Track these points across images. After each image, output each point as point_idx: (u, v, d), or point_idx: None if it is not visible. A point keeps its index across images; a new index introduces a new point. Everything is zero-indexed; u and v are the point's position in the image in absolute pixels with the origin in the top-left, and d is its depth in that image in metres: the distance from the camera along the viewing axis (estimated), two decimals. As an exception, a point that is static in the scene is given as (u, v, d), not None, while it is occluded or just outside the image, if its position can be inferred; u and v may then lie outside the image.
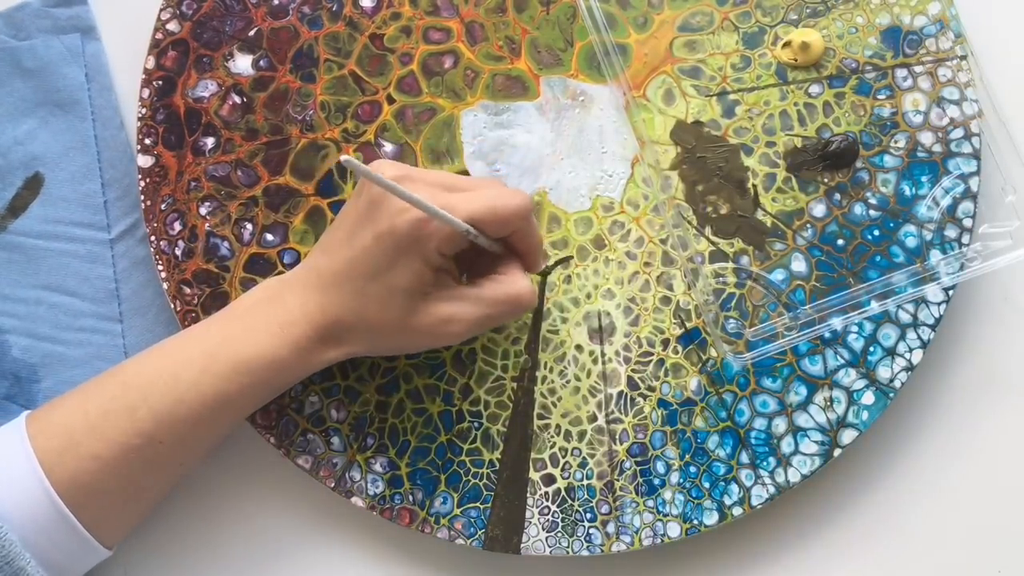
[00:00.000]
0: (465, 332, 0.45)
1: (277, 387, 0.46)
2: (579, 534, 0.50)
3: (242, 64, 0.51)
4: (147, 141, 0.51)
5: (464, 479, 0.50)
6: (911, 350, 0.50)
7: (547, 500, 0.50)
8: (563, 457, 0.50)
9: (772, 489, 0.49)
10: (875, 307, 0.50)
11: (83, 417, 0.42)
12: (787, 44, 0.51)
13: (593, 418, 0.50)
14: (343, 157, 0.38)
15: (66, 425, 0.42)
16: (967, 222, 0.51)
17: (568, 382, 0.50)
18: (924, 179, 0.51)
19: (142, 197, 0.51)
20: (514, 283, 0.46)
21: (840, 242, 0.51)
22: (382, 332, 0.45)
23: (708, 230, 0.51)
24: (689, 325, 0.50)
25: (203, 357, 0.44)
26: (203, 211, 0.51)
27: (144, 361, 0.44)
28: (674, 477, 0.50)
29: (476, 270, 0.47)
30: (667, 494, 0.50)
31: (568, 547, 0.49)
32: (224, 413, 0.44)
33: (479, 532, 0.49)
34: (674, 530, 0.49)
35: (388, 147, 0.51)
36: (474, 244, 0.45)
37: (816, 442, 0.50)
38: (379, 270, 0.43)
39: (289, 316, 0.44)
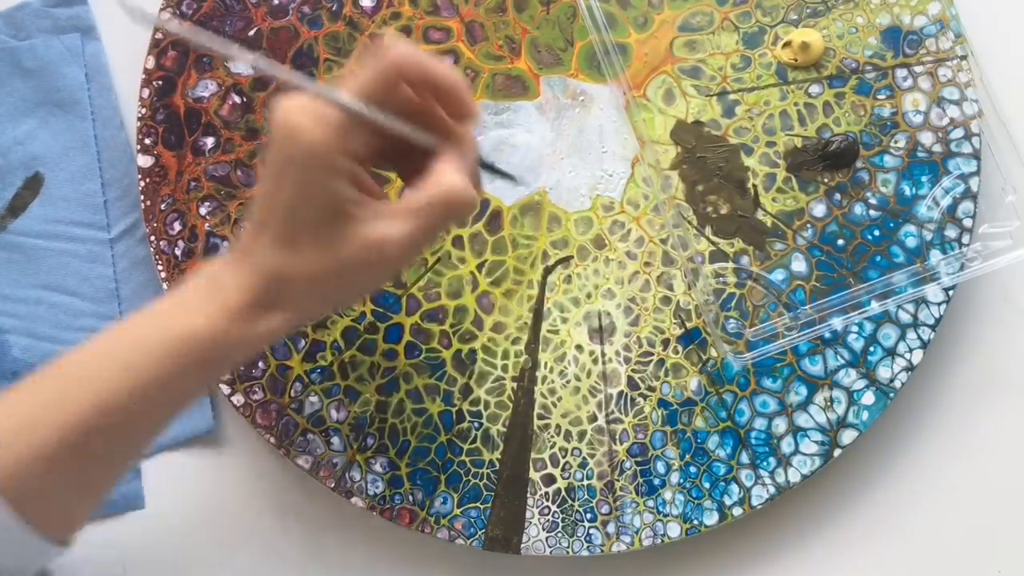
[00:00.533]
0: (402, 253, 0.40)
1: (217, 365, 0.42)
2: (579, 534, 0.50)
3: (242, 64, 0.51)
4: (147, 141, 0.51)
5: (464, 479, 0.50)
6: (911, 350, 0.50)
7: (547, 500, 0.50)
8: (563, 457, 0.50)
9: (772, 489, 0.49)
10: (875, 307, 0.49)
11: (18, 414, 0.40)
12: (787, 44, 0.51)
13: (593, 418, 0.50)
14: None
15: (2, 423, 0.40)
16: (967, 222, 0.51)
17: (568, 382, 0.50)
18: (924, 179, 0.51)
19: (142, 197, 0.51)
20: (440, 179, 0.39)
21: (840, 242, 0.51)
22: (319, 279, 0.40)
23: (708, 230, 0.51)
24: (689, 325, 0.50)
25: (143, 339, 0.40)
26: (203, 211, 0.51)
27: (82, 350, 0.41)
28: (674, 477, 0.50)
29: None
30: (667, 494, 0.50)
31: (568, 547, 0.49)
32: (161, 397, 0.41)
33: (479, 532, 0.49)
34: (674, 530, 0.49)
35: (388, 147, 0.51)
36: (403, 150, 0.40)
37: (816, 442, 0.50)
38: (292, 206, 0.39)
39: (222, 287, 0.41)
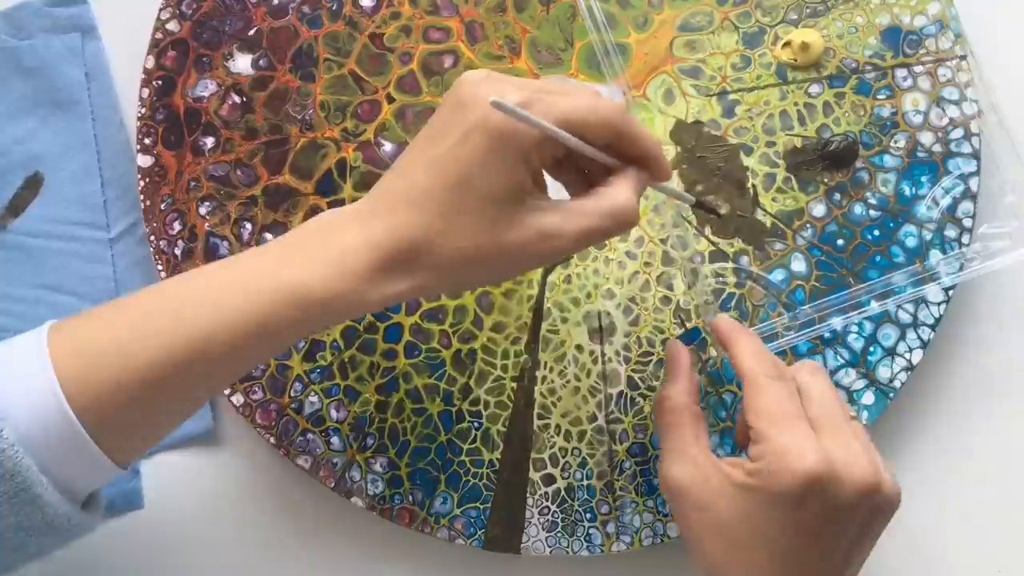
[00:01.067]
0: (570, 247, 0.39)
1: (327, 322, 0.40)
2: (579, 534, 0.50)
3: (242, 64, 0.51)
4: (147, 141, 0.51)
5: (464, 479, 0.50)
6: (911, 350, 0.50)
7: (547, 500, 0.50)
8: (563, 457, 0.50)
9: (772, 489, 0.49)
10: (875, 307, 0.49)
11: (110, 336, 0.38)
12: (787, 44, 0.51)
13: (593, 418, 0.50)
14: (493, 99, 0.35)
15: (92, 343, 0.38)
16: (967, 222, 0.51)
17: (568, 382, 0.50)
18: (924, 179, 0.51)
19: (142, 197, 0.51)
20: (616, 195, 0.40)
21: (840, 242, 0.51)
22: (469, 256, 0.38)
23: (708, 230, 0.51)
24: (689, 325, 0.50)
25: (249, 284, 0.38)
26: (203, 211, 0.51)
27: (185, 281, 0.40)
28: (674, 477, 0.50)
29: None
30: (667, 494, 0.50)
31: (568, 547, 0.49)
32: (263, 345, 0.39)
33: (479, 532, 0.49)
34: (674, 530, 0.49)
35: (388, 146, 0.51)
36: (578, 162, 0.41)
37: (816, 442, 0.50)
38: (468, 174, 0.37)
39: (350, 243, 0.38)
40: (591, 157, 0.40)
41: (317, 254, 0.39)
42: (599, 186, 0.41)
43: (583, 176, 0.42)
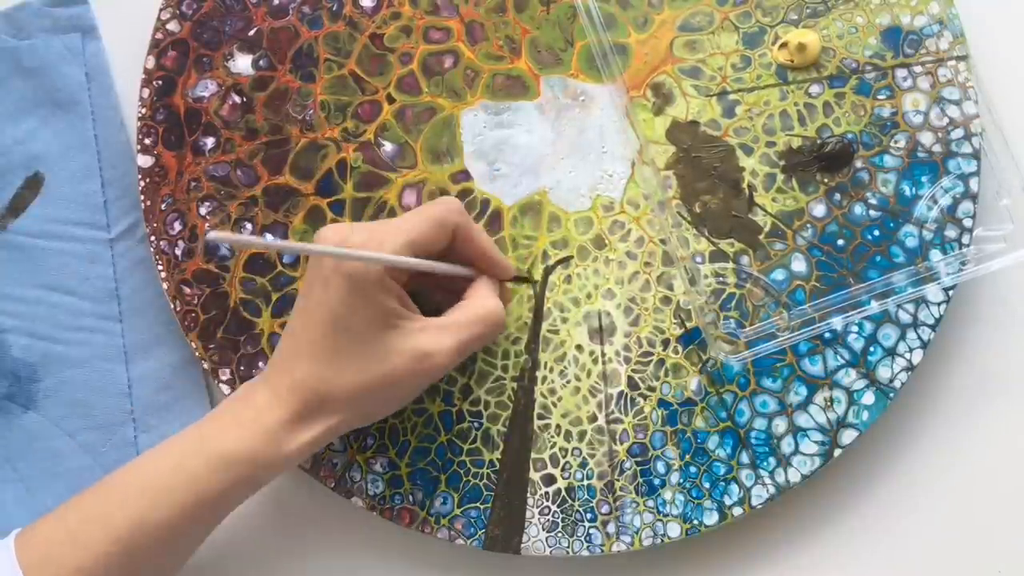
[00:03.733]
0: (447, 362, 0.43)
1: (257, 483, 0.44)
2: (579, 534, 0.50)
3: (242, 64, 0.51)
4: (147, 141, 0.51)
5: (464, 479, 0.50)
6: (911, 350, 0.50)
7: (547, 500, 0.50)
8: (563, 457, 0.50)
9: (772, 489, 0.49)
10: (875, 307, 0.50)
11: (64, 527, 0.42)
12: (784, 45, 0.51)
13: (593, 418, 0.50)
14: (210, 235, 0.36)
15: (47, 537, 0.42)
16: (967, 222, 0.51)
17: (568, 382, 0.50)
18: (924, 179, 0.51)
19: (142, 197, 0.51)
20: (480, 302, 0.45)
21: (840, 242, 0.51)
22: (363, 389, 0.43)
23: (704, 230, 0.51)
24: (689, 325, 0.50)
25: (177, 459, 0.43)
26: (203, 211, 0.51)
27: (127, 468, 0.44)
28: (674, 477, 0.50)
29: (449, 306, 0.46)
30: (667, 494, 0.50)
31: (568, 547, 0.49)
32: (200, 515, 0.43)
33: (479, 532, 0.49)
34: (674, 530, 0.49)
35: (388, 147, 0.51)
36: (436, 281, 0.45)
37: (816, 442, 0.50)
38: (337, 315, 0.42)
39: (261, 405, 0.43)
40: (432, 271, 0.44)
41: (237, 419, 0.43)
42: (462, 298, 0.45)
43: (446, 289, 0.47)
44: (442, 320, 0.44)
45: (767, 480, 0.49)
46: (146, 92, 0.51)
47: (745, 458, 0.50)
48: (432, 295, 0.47)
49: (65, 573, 0.41)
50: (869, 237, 0.51)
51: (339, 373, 0.42)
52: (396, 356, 0.42)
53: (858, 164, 0.51)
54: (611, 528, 0.50)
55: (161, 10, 0.51)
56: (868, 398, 0.50)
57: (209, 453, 0.42)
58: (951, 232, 0.51)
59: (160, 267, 0.50)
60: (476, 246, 0.46)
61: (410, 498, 0.50)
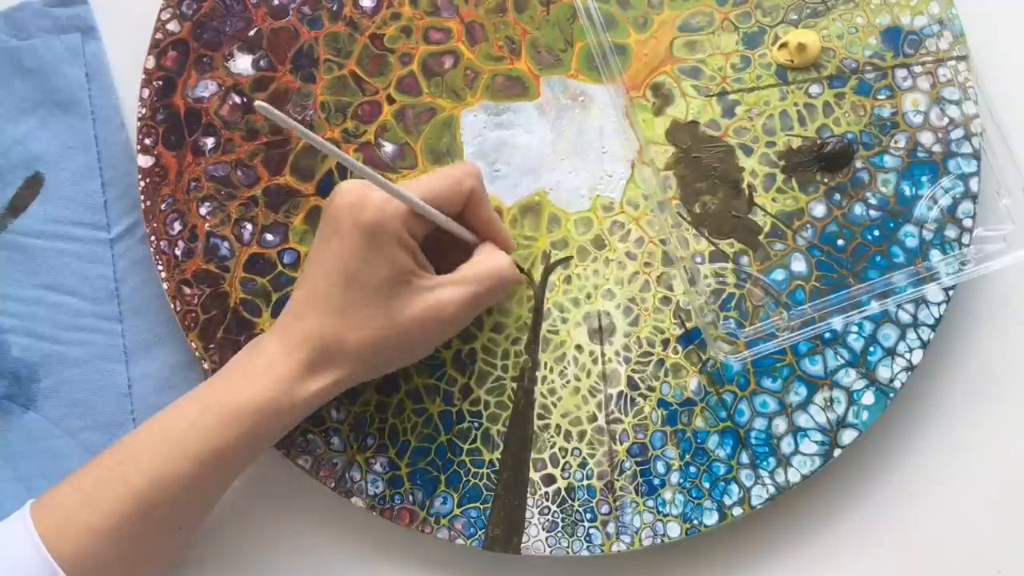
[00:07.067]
0: (460, 315, 0.44)
1: (270, 433, 0.44)
2: (579, 534, 0.50)
3: (242, 64, 0.51)
4: (147, 141, 0.51)
5: (464, 479, 0.50)
6: (911, 350, 0.50)
7: (547, 500, 0.50)
8: (563, 457, 0.50)
9: (772, 489, 0.49)
10: (875, 307, 0.50)
11: (78, 492, 0.42)
12: (784, 45, 0.51)
13: (593, 418, 0.50)
14: (258, 103, 0.37)
15: (63, 502, 0.42)
16: (967, 222, 0.51)
17: (568, 382, 0.50)
18: (924, 179, 0.51)
19: (142, 197, 0.51)
20: (492, 258, 0.46)
21: (840, 242, 0.51)
22: (374, 342, 0.43)
23: (704, 230, 0.51)
24: (689, 325, 0.50)
25: (191, 414, 0.43)
26: (203, 211, 0.51)
27: (139, 429, 0.44)
28: (674, 477, 0.50)
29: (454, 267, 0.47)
30: (667, 494, 0.50)
31: (568, 547, 0.49)
32: (216, 468, 0.43)
33: (479, 532, 0.49)
34: (674, 530, 0.49)
35: (388, 147, 0.51)
36: (444, 241, 0.45)
37: (816, 442, 0.50)
38: (355, 271, 0.42)
39: (271, 356, 0.44)
40: (447, 228, 0.45)
41: (248, 371, 0.44)
42: (472, 256, 0.46)
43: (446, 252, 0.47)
44: (454, 275, 0.45)
45: (767, 480, 0.49)
46: (146, 92, 0.51)
47: (745, 458, 0.50)
48: (438, 262, 0.47)
49: (84, 535, 0.41)
50: (869, 237, 0.51)
51: (351, 326, 0.43)
52: (408, 311, 0.43)
53: (858, 164, 0.51)
54: (611, 528, 0.50)
55: (161, 10, 0.51)
56: (868, 398, 0.50)
57: (220, 407, 0.43)
58: (951, 232, 0.51)
59: (160, 267, 0.50)
60: (485, 214, 0.47)
61: (410, 498, 0.50)
